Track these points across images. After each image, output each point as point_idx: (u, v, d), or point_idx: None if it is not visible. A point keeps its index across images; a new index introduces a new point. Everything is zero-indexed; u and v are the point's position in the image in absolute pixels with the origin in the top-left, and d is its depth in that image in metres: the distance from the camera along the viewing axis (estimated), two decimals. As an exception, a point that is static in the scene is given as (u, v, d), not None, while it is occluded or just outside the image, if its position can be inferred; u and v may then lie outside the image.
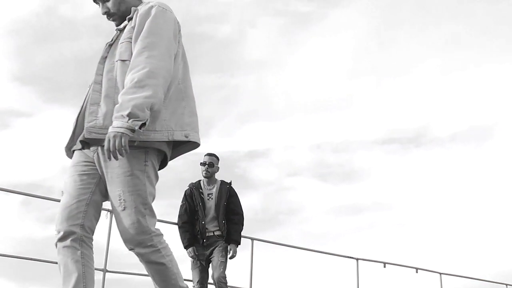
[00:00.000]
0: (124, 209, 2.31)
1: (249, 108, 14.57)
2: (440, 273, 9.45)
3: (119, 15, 2.56)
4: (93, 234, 2.40)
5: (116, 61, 2.41)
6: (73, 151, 2.51)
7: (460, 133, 15.21)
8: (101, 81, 2.41)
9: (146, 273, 2.46)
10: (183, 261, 5.56)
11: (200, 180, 5.67)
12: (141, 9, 2.45)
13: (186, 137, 2.40)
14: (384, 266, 8.56)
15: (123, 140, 2.17)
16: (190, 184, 5.66)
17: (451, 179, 14.49)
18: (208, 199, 5.54)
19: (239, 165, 12.89)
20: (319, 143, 14.86)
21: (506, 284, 10.46)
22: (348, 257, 8.31)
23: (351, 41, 14.58)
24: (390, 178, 14.56)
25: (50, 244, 2.39)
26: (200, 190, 5.56)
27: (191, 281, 5.58)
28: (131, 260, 2.40)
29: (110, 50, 2.49)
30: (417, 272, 8.97)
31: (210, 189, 5.60)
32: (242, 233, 5.63)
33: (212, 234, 5.45)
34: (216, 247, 5.41)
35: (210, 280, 5.52)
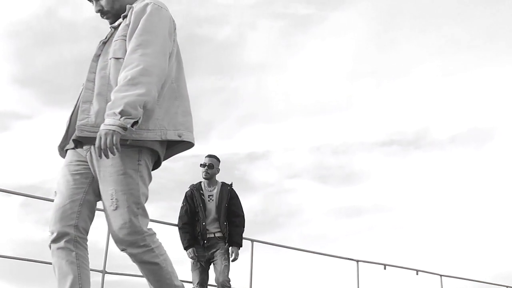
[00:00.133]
0: (116, 208, 2.26)
1: (249, 110, 14.57)
2: (441, 275, 9.43)
3: (113, 13, 2.53)
4: (87, 235, 2.37)
5: (110, 59, 2.38)
6: (66, 150, 2.48)
7: (459, 135, 15.21)
8: (94, 79, 2.38)
9: (145, 274, 2.42)
10: (183, 263, 5.56)
11: (201, 182, 5.67)
12: (136, 6, 2.42)
13: (180, 136, 2.37)
14: (385, 268, 8.55)
15: (114, 138, 2.13)
16: (191, 186, 5.67)
17: (451, 181, 14.49)
18: (209, 201, 5.54)
19: (239, 167, 12.89)
20: (319, 145, 14.86)
21: (507, 286, 10.44)
22: (348, 259, 8.30)
23: (351, 44, 14.60)
24: (390, 180, 14.56)
25: (49, 246, 2.36)
26: (201, 192, 5.56)
27: (191, 282, 5.57)
28: (131, 262, 2.37)
29: (103, 48, 2.45)
30: (417, 274, 8.95)
31: (210, 191, 5.60)
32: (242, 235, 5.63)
33: (213, 235, 5.45)
34: (217, 249, 5.40)
35: (210, 281, 5.52)
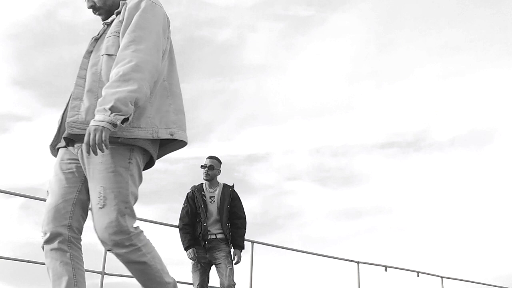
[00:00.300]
0: (103, 206, 2.19)
1: (248, 112, 14.56)
2: (442, 277, 9.40)
3: (106, 9, 2.48)
4: (81, 234, 2.32)
5: (102, 55, 2.33)
6: (58, 149, 2.43)
7: (459, 137, 15.19)
8: (85, 75, 2.33)
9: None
10: (183, 264, 5.54)
11: (202, 183, 5.66)
12: (130, 2, 2.38)
13: (172, 135, 2.32)
14: (385, 270, 8.53)
15: (103, 134, 2.07)
16: (192, 187, 5.66)
17: (450, 183, 14.48)
18: (210, 202, 5.53)
19: (238, 169, 12.86)
20: (319, 147, 14.84)
21: (508, 288, 10.41)
22: (349, 260, 8.27)
23: (350, 45, 14.60)
24: (390, 182, 14.54)
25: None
26: (203, 193, 5.55)
27: (191, 284, 5.55)
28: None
29: (96, 44, 2.41)
30: (418, 275, 8.92)
31: (212, 192, 5.59)
32: (242, 236, 5.62)
33: (214, 237, 5.43)
34: (219, 251, 5.38)
35: (210, 283, 5.50)
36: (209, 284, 5.55)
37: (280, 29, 14.39)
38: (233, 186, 5.69)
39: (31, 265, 5.38)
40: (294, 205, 13.46)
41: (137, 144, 2.25)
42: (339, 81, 14.94)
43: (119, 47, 2.30)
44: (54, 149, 2.46)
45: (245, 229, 5.61)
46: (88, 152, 2.11)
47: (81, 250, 2.32)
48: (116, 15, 2.42)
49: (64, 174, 2.34)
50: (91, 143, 2.08)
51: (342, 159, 14.80)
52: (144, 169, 2.38)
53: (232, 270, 5.36)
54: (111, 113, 2.09)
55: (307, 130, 14.50)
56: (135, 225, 2.25)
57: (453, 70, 15.07)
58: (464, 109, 15.14)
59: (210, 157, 5.67)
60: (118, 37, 2.33)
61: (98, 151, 2.12)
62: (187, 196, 5.61)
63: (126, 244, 2.19)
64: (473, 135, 15.11)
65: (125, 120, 2.14)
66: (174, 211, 5.76)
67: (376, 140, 14.90)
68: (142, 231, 2.27)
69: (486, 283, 10.11)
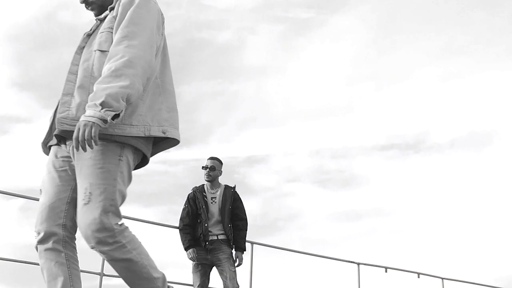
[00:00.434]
0: (88, 203, 2.11)
1: (248, 114, 14.56)
2: (442, 278, 9.38)
3: (98, 4, 2.44)
4: (75, 233, 2.27)
5: (95, 51, 2.30)
6: (50, 147, 2.39)
7: (459, 139, 15.19)
8: (77, 71, 2.29)
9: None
10: (184, 266, 5.53)
11: (203, 184, 5.65)
12: None
13: (164, 133, 2.27)
14: (386, 271, 8.51)
15: (93, 130, 2.02)
16: (193, 188, 5.65)
17: (450, 185, 14.46)
18: (211, 203, 5.51)
19: (238, 171, 12.85)
20: (318, 149, 14.83)
21: (509, 289, 10.39)
22: (349, 261, 8.25)
23: (350, 48, 14.60)
24: (389, 184, 14.52)
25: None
26: (204, 194, 5.54)
27: (191, 285, 5.53)
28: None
29: (88, 40, 2.38)
30: (419, 277, 8.90)
31: (213, 193, 5.57)
32: (243, 237, 5.61)
33: (215, 238, 5.41)
34: (221, 253, 5.36)
35: (211, 284, 5.49)
36: (209, 286, 5.53)
37: (280, 31, 14.40)
38: (234, 187, 5.68)
39: (30, 267, 5.37)
40: (294, 207, 13.45)
41: (130, 142, 2.20)
42: (339, 83, 14.95)
43: (112, 43, 2.26)
44: (46, 147, 2.42)
45: (246, 230, 5.60)
46: (77, 148, 2.06)
47: (76, 250, 2.28)
48: (110, 11, 2.39)
49: (57, 172, 2.30)
50: (80, 138, 2.03)
51: (342, 161, 14.80)
52: (137, 168, 2.34)
53: (235, 272, 5.34)
54: (101, 109, 2.05)
55: (307, 132, 14.50)
56: (120, 222, 2.18)
57: (453, 72, 15.08)
58: (463, 111, 15.14)
59: (211, 158, 5.66)
60: (112, 33, 2.29)
61: (87, 147, 2.07)
62: (188, 197, 5.60)
63: (110, 241, 2.12)
64: (473, 137, 15.11)
65: (116, 116, 2.09)
66: (174, 213, 5.75)
67: (376, 142, 14.90)
68: (127, 227, 2.20)
69: (487, 284, 10.09)
